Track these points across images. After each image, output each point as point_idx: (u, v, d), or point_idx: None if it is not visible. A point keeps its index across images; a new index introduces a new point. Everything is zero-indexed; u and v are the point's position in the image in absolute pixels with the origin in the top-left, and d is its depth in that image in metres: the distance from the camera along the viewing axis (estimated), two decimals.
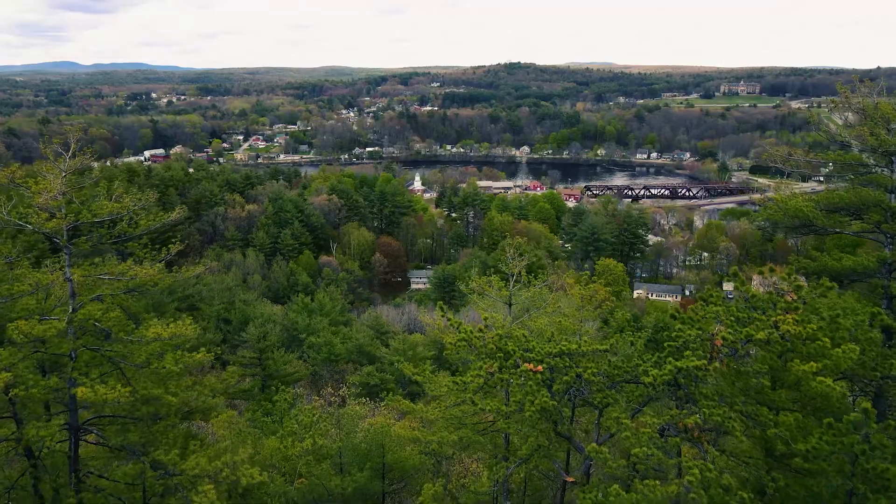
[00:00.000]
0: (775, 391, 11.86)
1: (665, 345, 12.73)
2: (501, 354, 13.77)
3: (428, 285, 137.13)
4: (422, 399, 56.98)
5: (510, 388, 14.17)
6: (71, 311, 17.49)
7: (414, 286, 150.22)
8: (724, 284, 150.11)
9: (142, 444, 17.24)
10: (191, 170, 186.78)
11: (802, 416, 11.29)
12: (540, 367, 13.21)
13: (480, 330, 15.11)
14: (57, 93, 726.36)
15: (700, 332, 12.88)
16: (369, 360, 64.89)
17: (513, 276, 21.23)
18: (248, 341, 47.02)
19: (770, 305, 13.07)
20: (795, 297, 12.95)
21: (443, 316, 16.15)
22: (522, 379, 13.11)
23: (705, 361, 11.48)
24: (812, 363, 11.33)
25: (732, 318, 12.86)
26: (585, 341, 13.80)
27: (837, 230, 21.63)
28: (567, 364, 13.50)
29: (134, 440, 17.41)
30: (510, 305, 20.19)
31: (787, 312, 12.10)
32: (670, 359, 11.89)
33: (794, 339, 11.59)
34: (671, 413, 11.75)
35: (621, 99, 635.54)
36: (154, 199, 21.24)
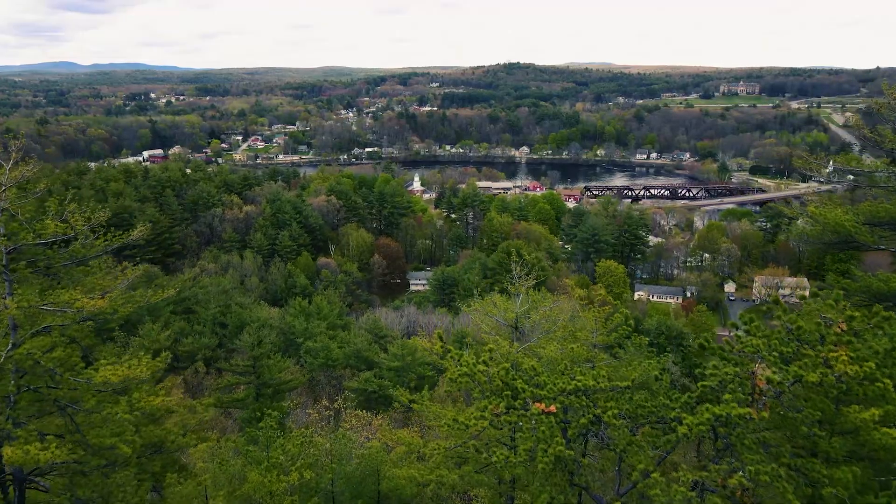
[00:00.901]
0: (829, 441, 10.29)
1: (698, 385, 11.09)
2: (509, 392, 12.26)
3: (427, 287, 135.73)
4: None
5: (519, 432, 12.36)
6: (10, 347, 15.13)
7: (413, 288, 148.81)
8: (726, 286, 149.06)
9: (96, 499, 14.82)
10: (188, 170, 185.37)
11: (861, 471, 9.77)
12: (553, 408, 11.57)
13: (485, 361, 13.52)
14: (55, 93, 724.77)
15: (738, 369, 11.22)
16: (367, 366, 63.49)
17: (519, 295, 19.58)
18: (242, 348, 45.58)
19: (818, 339, 11.36)
20: (846, 328, 11.27)
21: (441, 347, 14.60)
22: (533, 422, 11.55)
23: (750, 410, 9.92)
24: (872, 409, 9.86)
25: (776, 355, 11.19)
26: (603, 375, 12.21)
27: (882, 247, 19.62)
28: (584, 403, 11.96)
29: (85, 495, 14.88)
30: (516, 328, 18.57)
31: (837, 346, 10.54)
32: (707, 405, 10.26)
33: (849, 380, 10.06)
34: (709, 469, 10.11)
35: (621, 99, 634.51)
36: (106, 217, 18.73)
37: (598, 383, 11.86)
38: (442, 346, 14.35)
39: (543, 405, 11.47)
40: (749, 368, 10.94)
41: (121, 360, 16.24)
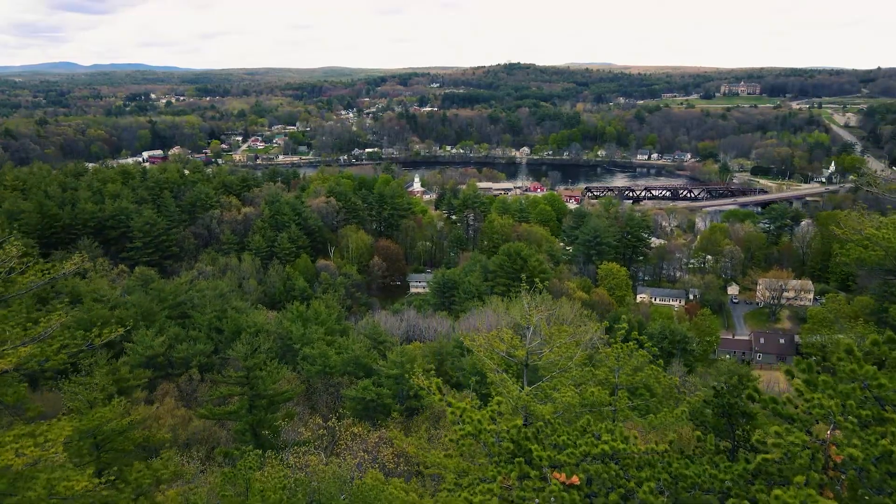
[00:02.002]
0: None
1: (759, 459, 9.18)
2: (521, 459, 10.38)
3: (427, 290, 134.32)
4: (421, 414, 54.38)
5: None
6: None
7: (413, 290, 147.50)
8: (729, 288, 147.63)
9: None
10: (186, 172, 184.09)
11: None
12: (576, 479, 9.96)
13: (492, 416, 11.89)
14: (55, 93, 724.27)
15: (807, 437, 9.26)
16: (366, 373, 62.09)
17: (530, 328, 17.51)
18: (235, 358, 44.22)
19: None
20: None
21: (440, 399, 12.86)
22: (553, 499, 9.82)
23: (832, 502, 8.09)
24: None
25: (854, 421, 8.97)
26: (634, 436, 10.46)
27: None
28: (613, 472, 10.08)
29: None
30: (527, 365, 16.81)
31: None
32: (777, 493, 8.27)
33: None
34: None
35: (621, 99, 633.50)
36: (18, 252, 15.88)
37: (630, 445, 10.18)
38: (439, 394, 12.68)
39: (564, 475, 9.72)
40: (815, 432, 9.15)
41: (33, 433, 13.21)
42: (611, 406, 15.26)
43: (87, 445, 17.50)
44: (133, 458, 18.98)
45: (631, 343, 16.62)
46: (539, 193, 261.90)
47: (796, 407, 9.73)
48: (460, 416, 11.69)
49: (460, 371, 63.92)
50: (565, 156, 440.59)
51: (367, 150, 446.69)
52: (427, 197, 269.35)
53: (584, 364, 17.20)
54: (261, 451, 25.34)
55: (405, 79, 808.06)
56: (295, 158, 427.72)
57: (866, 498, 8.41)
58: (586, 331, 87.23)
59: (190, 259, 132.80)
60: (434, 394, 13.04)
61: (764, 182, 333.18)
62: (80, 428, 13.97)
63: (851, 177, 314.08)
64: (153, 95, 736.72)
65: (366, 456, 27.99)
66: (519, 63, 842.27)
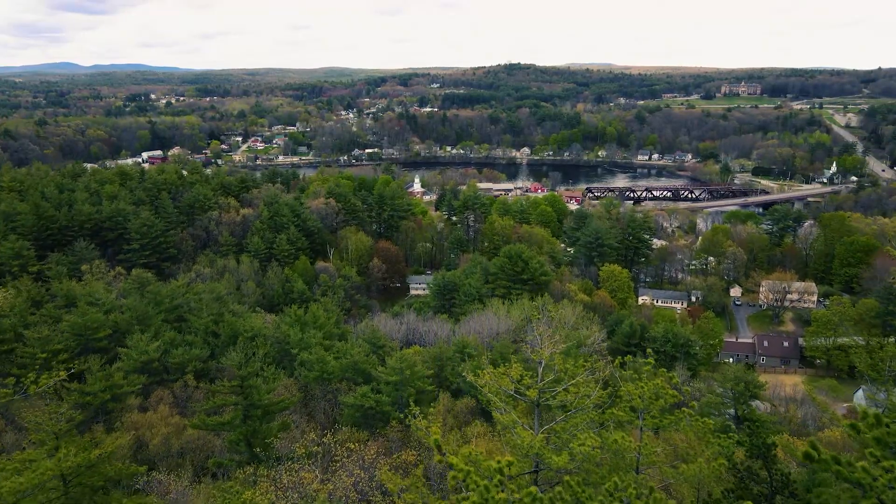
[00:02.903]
0: None
1: None
2: None
3: (427, 292, 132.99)
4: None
5: None
6: None
7: (413, 292, 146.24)
8: (732, 290, 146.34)
9: None
10: (185, 173, 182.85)
11: None
12: None
13: (500, 481, 9.89)
14: (56, 94, 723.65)
15: None
16: (364, 379, 60.84)
17: (542, 363, 15.86)
18: (229, 367, 43.04)
19: None
20: None
21: (440, 459, 11.07)
22: None
23: None
24: None
25: None
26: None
27: None
28: None
29: None
30: (538, 406, 14.97)
31: None
32: None
33: None
34: None
35: (622, 100, 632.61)
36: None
37: None
38: (439, 454, 11.03)
39: None
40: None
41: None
42: (636, 453, 13.75)
43: (53, 482, 16.34)
44: (105, 494, 17.74)
45: (658, 380, 15.09)
46: (540, 194, 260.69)
47: (875, 479, 8.31)
48: (464, 481, 10.18)
49: (460, 377, 62.71)
50: (566, 156, 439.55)
51: (367, 150, 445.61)
52: (427, 198, 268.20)
53: (603, 401, 15.38)
54: (253, 468, 24.20)
55: (405, 79, 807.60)
56: (295, 159, 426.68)
57: None
58: (589, 334, 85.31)
59: (188, 261, 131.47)
60: (432, 437, 11.68)
61: (765, 183, 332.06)
62: (35, 480, 12.46)
63: (853, 177, 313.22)
64: (153, 96, 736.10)
65: (363, 474, 26.81)
66: (519, 63, 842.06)
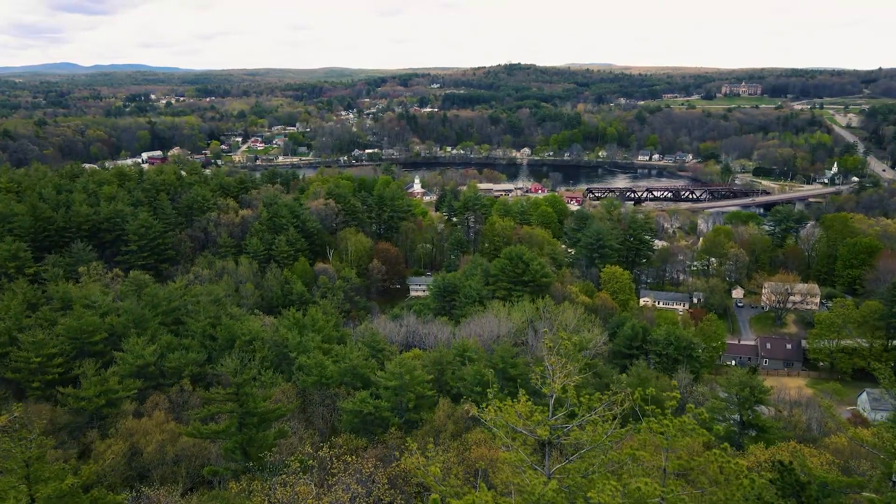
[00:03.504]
0: None
1: None
2: None
3: (427, 293, 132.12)
4: (421, 428, 52.31)
5: None
6: None
7: (413, 294, 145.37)
8: (734, 292, 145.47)
9: None
10: (183, 173, 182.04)
11: None
12: None
13: None
14: (56, 94, 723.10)
15: None
16: (363, 384, 60.03)
17: (553, 397, 14.18)
18: (224, 374, 42.21)
19: None
20: None
21: None
22: None
23: None
24: None
25: None
26: None
27: None
28: None
29: None
30: (549, 445, 13.54)
31: None
32: None
33: None
34: None
35: (622, 100, 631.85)
36: None
37: None
38: None
39: None
40: None
41: None
42: (660, 499, 12.57)
43: None
44: None
45: (685, 417, 13.91)
46: (540, 195, 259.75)
47: None
48: None
49: (461, 382, 61.86)
50: (566, 156, 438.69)
51: (367, 151, 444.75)
52: (427, 198, 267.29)
53: (621, 436, 13.96)
54: (247, 481, 23.40)
55: (405, 79, 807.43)
56: (295, 159, 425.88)
57: None
58: (591, 337, 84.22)
59: (186, 263, 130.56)
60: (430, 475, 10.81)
61: (766, 183, 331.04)
62: None
63: (854, 178, 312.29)
64: (153, 96, 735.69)
65: (360, 489, 25.96)
66: (519, 63, 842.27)
